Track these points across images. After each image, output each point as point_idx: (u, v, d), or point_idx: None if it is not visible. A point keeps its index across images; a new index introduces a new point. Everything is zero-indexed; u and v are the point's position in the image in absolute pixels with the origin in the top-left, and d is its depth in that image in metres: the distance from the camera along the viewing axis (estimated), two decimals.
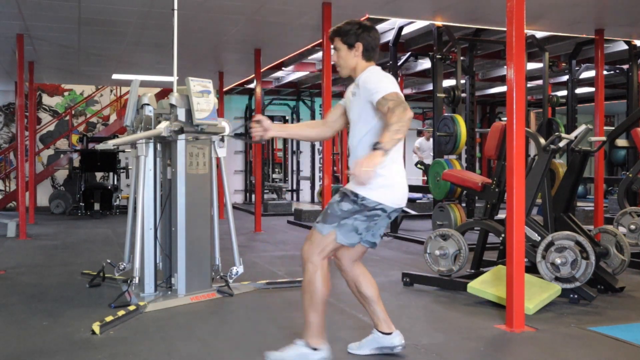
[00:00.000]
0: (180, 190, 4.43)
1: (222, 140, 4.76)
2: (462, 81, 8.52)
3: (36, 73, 10.50)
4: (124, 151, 11.89)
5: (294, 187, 15.98)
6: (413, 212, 10.22)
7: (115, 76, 11.29)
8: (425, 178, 9.02)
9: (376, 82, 2.80)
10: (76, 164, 12.41)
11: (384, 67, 10.67)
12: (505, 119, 3.69)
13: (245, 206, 13.76)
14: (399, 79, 9.76)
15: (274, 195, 15.00)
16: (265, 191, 14.29)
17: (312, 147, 15.45)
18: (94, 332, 3.51)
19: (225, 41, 8.34)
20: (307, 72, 11.72)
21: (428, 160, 10.52)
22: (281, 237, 8.46)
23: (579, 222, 4.89)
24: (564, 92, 12.04)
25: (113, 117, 14.01)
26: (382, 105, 2.71)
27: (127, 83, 12.04)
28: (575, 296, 4.27)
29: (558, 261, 4.14)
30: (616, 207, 8.08)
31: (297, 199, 15.85)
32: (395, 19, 7.83)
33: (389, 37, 8.71)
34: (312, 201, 15.26)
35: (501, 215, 4.57)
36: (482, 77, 12.32)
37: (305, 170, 15.69)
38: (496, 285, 4.18)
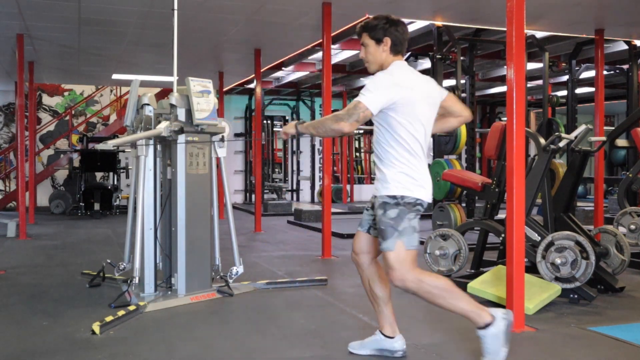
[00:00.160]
0: (180, 190, 4.43)
1: (222, 140, 4.75)
2: (462, 81, 8.52)
3: (36, 73, 10.50)
4: (124, 151, 11.90)
5: (294, 187, 15.98)
6: None
7: (115, 76, 11.29)
8: None
9: (367, 83, 2.80)
10: (76, 164, 12.41)
11: None
12: (505, 119, 3.68)
13: (245, 206, 13.76)
14: None
15: (274, 195, 15.01)
16: (265, 191, 14.29)
17: (312, 147, 15.46)
18: (94, 332, 3.51)
19: (225, 41, 8.34)
20: (307, 72, 11.72)
21: (428, 160, 10.51)
22: (281, 237, 8.46)
23: (579, 222, 4.89)
24: (564, 92, 12.04)
25: (113, 117, 14.01)
26: None
27: (127, 83, 12.04)
28: (575, 296, 4.27)
29: (558, 261, 4.14)
30: (616, 207, 8.08)
31: (297, 199, 15.85)
32: None
33: None
34: (312, 201, 15.26)
35: (501, 215, 4.57)
36: (482, 77, 12.32)
37: (305, 170, 15.69)
38: (496, 285, 4.18)
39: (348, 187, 15.31)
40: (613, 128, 9.13)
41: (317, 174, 15.27)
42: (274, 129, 17.11)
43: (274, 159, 17.07)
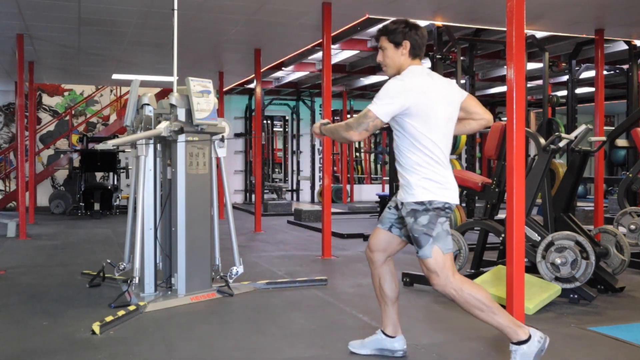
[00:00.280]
0: (180, 190, 4.43)
1: (222, 140, 4.76)
2: (462, 81, 8.52)
3: (36, 73, 10.50)
4: (124, 151, 11.89)
5: (294, 187, 15.99)
6: None
7: (115, 76, 11.29)
8: None
9: (380, 91, 2.78)
10: (76, 164, 12.41)
11: None
12: (505, 119, 3.68)
13: (245, 206, 13.76)
14: None
15: (274, 195, 15.01)
16: (265, 191, 14.29)
17: (312, 147, 15.46)
18: (94, 332, 3.51)
19: (225, 41, 8.34)
20: (307, 72, 11.72)
21: None
22: (281, 237, 8.46)
23: (579, 222, 4.89)
24: (564, 92, 12.05)
25: (113, 117, 14.01)
26: None
27: (127, 83, 12.04)
28: (575, 296, 4.27)
29: (558, 261, 4.14)
30: (616, 207, 8.08)
31: (297, 199, 15.86)
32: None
33: None
34: (312, 201, 15.27)
35: (501, 215, 4.57)
36: (482, 77, 12.32)
37: (305, 170, 15.69)
38: (496, 285, 4.19)
39: (348, 187, 15.32)
40: (613, 128, 9.13)
41: (317, 174, 15.27)
42: (274, 129, 17.14)
43: (274, 159, 17.08)
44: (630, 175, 6.20)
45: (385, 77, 11.43)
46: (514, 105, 3.59)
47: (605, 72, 8.59)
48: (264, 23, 7.33)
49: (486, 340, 3.43)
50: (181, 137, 4.38)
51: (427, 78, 2.84)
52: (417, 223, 2.78)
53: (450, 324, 3.78)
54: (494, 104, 16.12)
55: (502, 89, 13.44)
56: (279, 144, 17.74)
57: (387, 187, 12.06)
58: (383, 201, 10.50)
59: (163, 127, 4.29)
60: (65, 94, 13.95)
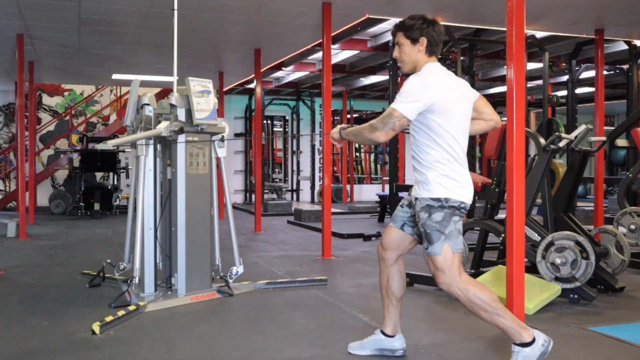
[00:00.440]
0: (180, 190, 4.43)
1: (222, 140, 4.75)
2: None
3: (36, 73, 10.50)
4: (124, 151, 11.90)
5: (294, 187, 15.99)
6: None
7: (115, 76, 11.29)
8: None
9: (401, 89, 2.76)
10: (76, 164, 12.41)
11: (384, 68, 10.77)
12: (505, 119, 3.69)
13: (245, 206, 13.76)
14: (399, 79, 9.75)
15: (274, 195, 15.01)
16: (265, 191, 14.29)
17: (312, 147, 15.46)
18: (94, 332, 3.51)
19: (225, 41, 8.34)
20: (307, 72, 11.73)
21: None
22: (281, 237, 8.46)
23: (579, 222, 4.89)
24: (564, 92, 12.05)
25: (113, 117, 14.01)
26: None
27: (127, 83, 12.04)
28: (575, 296, 4.27)
29: (558, 261, 4.14)
30: (616, 207, 8.08)
31: (297, 199, 15.86)
32: (395, 19, 7.82)
33: (389, 37, 8.72)
34: (312, 201, 15.27)
35: (501, 215, 4.57)
36: (482, 77, 12.33)
37: (305, 170, 15.69)
38: (496, 285, 4.18)
39: (348, 187, 15.32)
40: (613, 128, 9.12)
41: (317, 174, 15.27)
42: (274, 129, 17.14)
43: (274, 159, 17.08)
44: (630, 175, 6.20)
45: (386, 77, 11.46)
46: (514, 105, 3.59)
47: (605, 72, 8.59)
48: (264, 23, 7.33)
49: (486, 340, 3.44)
50: (181, 137, 4.37)
51: (447, 75, 2.84)
52: (431, 219, 2.78)
53: (450, 324, 3.78)
54: (494, 104, 16.10)
55: (502, 89, 13.45)
56: (279, 144, 17.74)
57: (387, 187, 12.05)
58: (383, 201, 10.50)
59: (163, 127, 4.29)
60: (65, 94, 13.95)
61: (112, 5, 6.55)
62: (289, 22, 7.30)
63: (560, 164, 6.18)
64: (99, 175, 13.59)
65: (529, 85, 10.33)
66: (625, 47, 8.99)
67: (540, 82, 11.40)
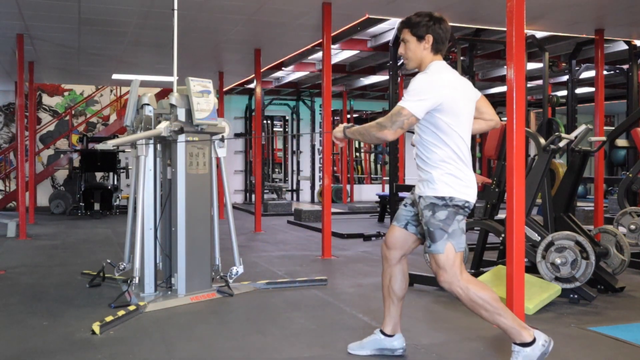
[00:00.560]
0: (180, 190, 4.43)
1: (222, 140, 4.76)
2: None
3: (36, 73, 10.50)
4: (124, 151, 11.89)
5: (294, 187, 15.99)
6: None
7: (115, 76, 11.29)
8: None
9: (409, 87, 2.75)
10: (76, 164, 12.41)
11: (384, 68, 10.76)
12: (505, 119, 3.69)
13: (245, 206, 13.76)
14: (399, 79, 9.76)
15: (274, 195, 15.01)
16: (265, 191, 14.29)
17: (312, 147, 15.46)
18: (94, 332, 3.51)
19: (225, 41, 8.34)
20: (307, 72, 11.73)
21: None
22: (281, 237, 8.46)
23: (579, 222, 4.89)
24: (564, 92, 12.05)
25: (113, 117, 14.01)
26: None
27: (127, 83, 12.04)
28: (575, 296, 4.27)
29: (558, 261, 4.14)
30: (616, 207, 8.08)
31: (297, 199, 15.86)
32: (395, 19, 7.83)
33: (389, 37, 8.72)
34: (312, 201, 15.27)
35: (501, 215, 4.57)
36: (482, 77, 12.33)
37: (305, 170, 15.70)
38: (496, 285, 4.18)
39: (348, 187, 15.32)
40: (613, 128, 9.12)
41: (317, 174, 15.27)
42: (274, 129, 17.14)
43: (274, 159, 17.09)
44: (630, 175, 6.20)
45: (386, 77, 11.44)
46: (514, 105, 3.59)
47: (605, 72, 8.59)
48: (264, 23, 7.33)
49: (486, 340, 3.44)
50: (181, 137, 4.38)
51: (453, 74, 2.84)
52: (435, 217, 2.77)
53: (450, 324, 3.78)
54: (494, 104, 16.11)
55: (502, 89, 13.45)
56: (279, 144, 17.74)
57: (387, 187, 12.05)
58: (383, 201, 10.50)
59: (163, 127, 4.29)
60: (65, 94, 13.95)
61: (112, 5, 6.55)
62: (289, 22, 7.30)
63: (560, 164, 6.18)
64: (99, 175, 13.58)
65: (529, 85, 10.33)
66: (625, 47, 8.99)
67: (540, 82, 11.40)
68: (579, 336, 3.52)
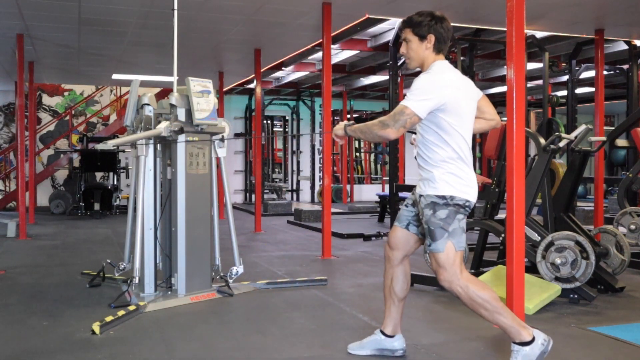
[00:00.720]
0: (180, 190, 4.43)
1: (222, 140, 4.76)
2: None
3: (36, 73, 10.50)
4: (124, 151, 11.89)
5: (294, 187, 15.99)
6: None
7: (115, 76, 11.29)
8: None
9: (412, 87, 2.75)
10: (76, 164, 12.41)
11: (384, 67, 10.76)
12: (505, 119, 3.69)
13: (245, 206, 13.76)
14: (399, 79, 9.75)
15: (274, 195, 15.01)
16: (265, 191, 14.29)
17: (312, 147, 15.46)
18: (94, 332, 3.51)
19: (225, 41, 8.34)
20: (307, 72, 11.73)
21: None
22: (281, 237, 8.46)
23: (579, 222, 4.89)
24: (564, 92, 12.05)
25: (113, 117, 14.01)
26: None
27: (127, 83, 12.04)
28: (575, 296, 4.27)
29: (558, 261, 4.14)
30: (616, 207, 8.08)
31: (297, 199, 15.86)
32: (395, 19, 7.83)
33: (389, 37, 8.72)
34: (312, 201, 15.27)
35: (501, 215, 4.57)
36: (482, 77, 12.33)
37: (305, 170, 15.70)
38: (496, 285, 4.18)
39: (348, 187, 15.32)
40: (613, 128, 9.12)
41: (317, 174, 15.27)
42: (274, 129, 17.14)
43: (274, 159, 17.08)
44: (630, 175, 6.20)
45: (386, 77, 11.41)
46: (514, 105, 3.60)
47: (605, 72, 8.59)
48: (264, 23, 7.33)
49: (486, 340, 3.44)
50: (181, 137, 4.38)
51: (455, 74, 2.85)
52: (435, 216, 2.78)
53: (450, 324, 3.78)
54: (494, 104, 16.08)
55: (502, 89, 13.45)
56: (279, 144, 17.74)
57: (387, 187, 12.05)
58: (383, 201, 10.50)
59: (163, 127, 4.29)
60: (65, 94, 13.95)
61: (112, 5, 6.55)
62: (289, 22, 7.30)
63: (560, 164, 6.18)
64: (99, 175, 13.58)
65: (529, 85, 10.33)
66: (625, 47, 8.99)
67: (540, 82, 11.40)
68: (579, 336, 3.52)
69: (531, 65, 9.91)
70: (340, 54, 10.17)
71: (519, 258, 3.59)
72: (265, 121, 15.59)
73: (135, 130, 4.70)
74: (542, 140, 4.62)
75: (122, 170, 12.32)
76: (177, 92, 4.48)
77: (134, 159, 4.70)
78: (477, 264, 4.99)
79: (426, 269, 5.05)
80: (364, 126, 2.84)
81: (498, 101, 15.41)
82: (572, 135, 4.72)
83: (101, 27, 7.52)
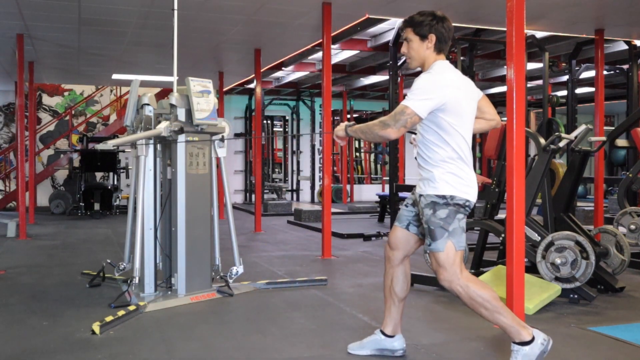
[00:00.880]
0: (180, 190, 4.43)
1: (222, 140, 4.76)
2: None
3: (36, 73, 10.50)
4: (124, 151, 11.90)
5: (294, 187, 15.99)
6: None
7: (115, 76, 11.29)
8: None
9: (413, 87, 2.75)
10: (76, 164, 12.41)
11: (384, 67, 10.76)
12: (505, 119, 3.69)
13: (245, 206, 13.76)
14: (399, 79, 9.75)
15: (274, 195, 15.01)
16: (265, 191, 14.29)
17: (312, 147, 15.46)
18: (94, 332, 3.51)
19: (225, 41, 8.34)
20: (307, 72, 11.72)
21: None
22: (281, 237, 8.46)
23: (579, 222, 4.89)
24: (564, 92, 12.05)
25: (113, 117, 14.01)
26: None
27: (127, 83, 12.04)
28: (575, 296, 4.27)
29: (558, 261, 4.14)
30: (616, 207, 8.08)
31: (297, 199, 15.86)
32: (395, 19, 7.83)
33: (389, 37, 8.72)
34: (312, 201, 15.27)
35: (501, 215, 4.57)
36: (482, 77, 12.33)
37: (305, 170, 15.70)
38: (496, 285, 4.18)
39: (348, 187, 15.32)
40: (613, 128, 9.12)
41: (317, 174, 15.27)
42: (274, 129, 17.14)
43: (274, 159, 17.08)
44: (630, 175, 6.20)
45: (386, 77, 11.41)
46: (514, 105, 3.60)
47: (605, 72, 8.59)
48: (264, 23, 7.33)
49: (486, 340, 3.44)
50: (181, 137, 4.38)
51: (456, 74, 2.85)
52: (436, 216, 2.78)
53: (450, 324, 3.78)
54: (494, 104, 16.08)
55: (502, 89, 13.45)
56: (279, 144, 17.74)
57: (387, 187, 12.05)
58: (383, 201, 10.50)
59: (163, 127, 4.29)
60: (65, 94, 13.95)
61: (112, 5, 6.55)
62: (289, 22, 7.30)
63: (560, 164, 6.18)
64: (99, 175, 13.58)
65: (529, 85, 10.33)
66: (625, 47, 8.99)
67: (540, 82, 11.40)
68: (579, 336, 3.52)
69: (531, 65, 9.91)
70: (340, 54, 10.17)
71: (519, 258, 3.59)
72: (265, 121, 15.59)
73: (135, 130, 4.70)
74: (542, 140, 4.62)
75: (122, 170, 12.32)
76: (177, 92, 4.48)
77: (134, 159, 4.70)
78: (477, 264, 4.99)
79: (426, 269, 5.05)
80: (365, 126, 2.85)
81: (498, 101, 15.40)
82: (572, 135, 4.72)
83: (101, 27, 7.52)
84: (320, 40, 6.81)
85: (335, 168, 16.31)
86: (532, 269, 4.35)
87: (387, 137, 2.78)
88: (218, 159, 4.80)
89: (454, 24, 8.37)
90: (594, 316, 3.97)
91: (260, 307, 4.26)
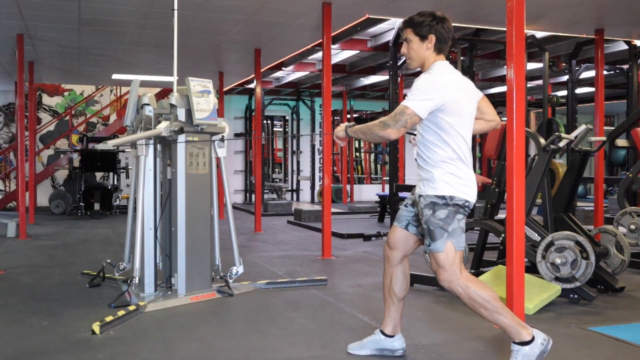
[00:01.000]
0: (180, 190, 4.43)
1: (222, 140, 4.76)
2: None
3: (36, 73, 10.50)
4: (124, 151, 11.90)
5: (294, 187, 15.99)
6: None
7: (115, 76, 11.29)
8: None
9: (413, 87, 2.75)
10: (76, 164, 12.41)
11: (384, 67, 10.76)
12: (505, 119, 3.69)
13: (245, 206, 13.76)
14: (399, 79, 9.75)
15: (274, 195, 15.01)
16: (265, 191, 14.29)
17: (312, 147, 15.47)
18: (94, 332, 3.51)
19: (225, 41, 8.34)
20: (307, 72, 11.73)
21: None
22: (281, 237, 8.46)
23: (579, 222, 4.89)
24: (564, 92, 12.05)
25: (113, 117, 14.01)
26: None
27: (127, 83, 12.04)
28: (575, 296, 4.27)
29: (558, 261, 4.14)
30: (616, 207, 8.07)
31: (297, 199, 15.86)
32: (395, 19, 7.83)
33: (389, 37, 8.72)
34: (312, 201, 15.27)
35: (501, 215, 4.57)
36: (482, 77, 12.33)
37: (305, 170, 15.70)
38: (496, 285, 4.18)
39: (348, 187, 15.32)
40: (613, 128, 9.12)
41: (317, 174, 15.27)
42: (274, 129, 17.14)
43: (274, 159, 17.09)
44: (630, 175, 6.20)
45: (386, 77, 11.41)
46: (514, 105, 3.60)
47: (605, 72, 8.59)
48: (264, 23, 7.33)
49: (486, 340, 3.44)
50: (181, 137, 4.38)
51: (456, 74, 2.85)
52: (435, 216, 2.78)
53: (450, 324, 3.78)
54: (494, 104, 16.09)
55: (502, 89, 13.45)
56: (279, 144, 17.74)
57: (387, 187, 12.05)
58: (383, 201, 10.50)
59: (163, 127, 4.29)
60: (65, 94, 13.95)
61: (112, 5, 6.55)
62: (289, 22, 7.30)
63: (560, 164, 6.18)
64: (99, 175, 13.58)
65: (529, 85, 10.33)
66: (625, 47, 8.99)
67: (540, 82, 11.40)
68: (579, 336, 3.52)
69: (531, 65, 9.91)
70: (340, 54, 10.17)
71: (519, 258, 3.59)
72: (265, 121, 15.59)
73: (135, 130, 4.70)
74: (542, 140, 4.62)
75: (122, 170, 12.32)
76: (177, 92, 4.48)
77: (134, 159, 4.70)
78: (477, 264, 4.99)
79: (426, 269, 5.05)
80: (365, 127, 2.85)
81: (498, 101, 15.41)
82: (572, 135, 4.72)
83: (101, 27, 7.52)
84: (320, 40, 6.81)
85: (335, 168, 16.31)
86: (532, 269, 4.35)
87: (387, 138, 2.78)
88: (218, 159, 4.80)
89: (454, 24, 8.35)
90: (594, 316, 3.97)
91: (260, 307, 4.26)
